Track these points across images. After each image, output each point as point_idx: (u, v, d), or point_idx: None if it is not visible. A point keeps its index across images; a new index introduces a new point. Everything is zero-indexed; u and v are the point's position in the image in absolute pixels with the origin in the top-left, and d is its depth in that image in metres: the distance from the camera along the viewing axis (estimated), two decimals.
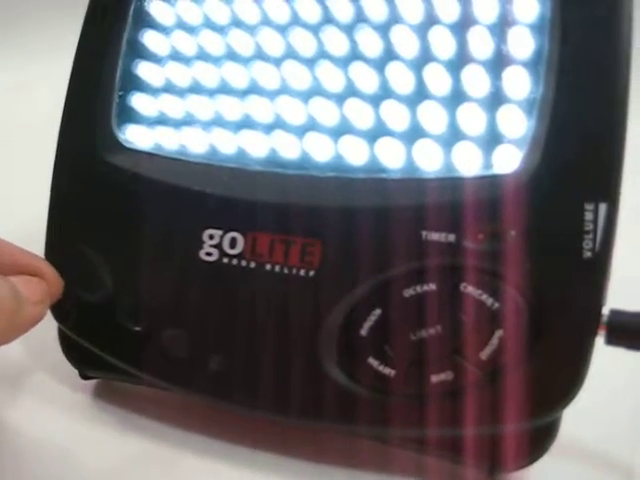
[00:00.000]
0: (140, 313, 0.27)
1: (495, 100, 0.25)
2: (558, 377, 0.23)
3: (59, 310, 0.29)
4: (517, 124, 0.24)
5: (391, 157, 0.25)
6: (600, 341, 0.23)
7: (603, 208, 0.23)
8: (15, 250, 0.26)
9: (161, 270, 0.27)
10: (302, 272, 0.25)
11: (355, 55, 0.26)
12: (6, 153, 0.46)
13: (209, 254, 0.26)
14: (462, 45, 0.25)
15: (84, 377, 0.31)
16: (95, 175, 0.28)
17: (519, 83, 0.24)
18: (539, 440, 0.25)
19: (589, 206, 0.23)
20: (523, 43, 0.24)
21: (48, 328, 0.30)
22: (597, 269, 0.23)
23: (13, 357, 0.33)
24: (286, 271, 0.25)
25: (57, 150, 0.29)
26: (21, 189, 0.42)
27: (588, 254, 0.23)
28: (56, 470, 0.27)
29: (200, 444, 0.28)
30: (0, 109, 0.52)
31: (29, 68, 0.57)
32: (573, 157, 0.23)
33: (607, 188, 0.23)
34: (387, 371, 0.24)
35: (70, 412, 0.30)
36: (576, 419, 0.24)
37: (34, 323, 0.25)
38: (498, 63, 0.25)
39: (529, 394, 0.23)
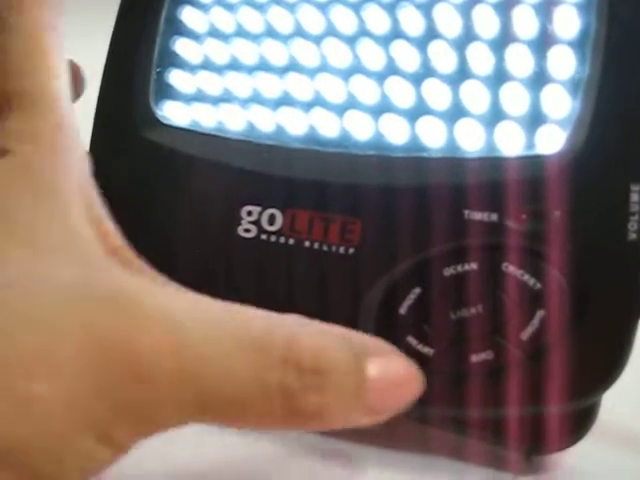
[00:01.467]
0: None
1: (539, 80, 0.24)
2: (600, 359, 0.23)
3: None
4: (561, 104, 0.24)
5: (432, 136, 0.25)
6: None
7: None
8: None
9: (199, 246, 0.27)
10: (342, 249, 0.25)
11: (396, 33, 0.26)
12: None
13: (247, 230, 0.26)
14: (506, 24, 0.25)
15: None
16: (133, 151, 0.28)
17: (564, 63, 0.24)
18: (579, 422, 0.24)
19: (635, 187, 0.23)
20: (569, 22, 0.24)
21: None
22: None
23: None
24: (325, 248, 0.25)
25: (94, 127, 0.29)
26: None
27: (633, 236, 0.23)
28: None
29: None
30: None
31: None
32: (618, 138, 0.23)
33: None
34: (426, 350, 0.24)
35: None
36: (616, 402, 0.24)
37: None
38: (543, 42, 0.24)
39: (570, 376, 0.23)
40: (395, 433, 0.27)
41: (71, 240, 0.19)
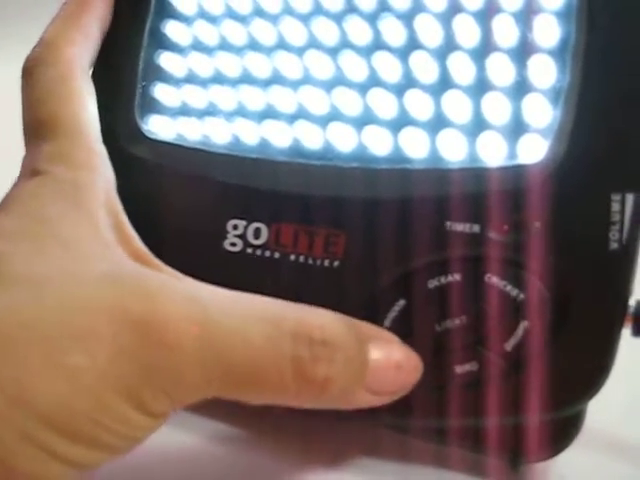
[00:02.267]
0: None
1: (520, 89, 0.24)
2: (583, 369, 0.23)
3: None
4: (542, 113, 0.24)
5: (415, 147, 0.25)
6: (627, 333, 0.23)
7: (630, 199, 0.23)
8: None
9: (185, 260, 0.27)
10: (326, 262, 0.25)
11: (378, 44, 0.26)
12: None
13: (233, 244, 0.26)
14: (487, 33, 0.25)
15: None
16: (118, 166, 0.28)
17: (545, 72, 0.24)
18: (564, 431, 0.25)
19: (616, 197, 0.23)
20: (549, 31, 0.24)
21: None
22: (623, 260, 0.23)
23: None
24: (310, 261, 0.25)
25: None
26: None
27: (614, 245, 0.23)
28: None
29: (224, 432, 0.28)
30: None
31: None
32: (600, 147, 0.23)
33: (634, 178, 0.23)
34: None
35: None
36: (601, 411, 0.24)
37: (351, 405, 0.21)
38: (523, 51, 0.24)
39: (554, 385, 0.23)
40: (377, 445, 0.27)
41: (98, 243, 0.22)
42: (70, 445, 0.18)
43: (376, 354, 0.21)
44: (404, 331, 0.24)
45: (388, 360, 0.21)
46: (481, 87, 0.25)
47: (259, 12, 0.28)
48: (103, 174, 0.24)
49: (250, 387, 0.20)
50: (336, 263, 0.25)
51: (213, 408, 0.29)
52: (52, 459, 0.18)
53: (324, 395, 0.20)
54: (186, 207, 0.27)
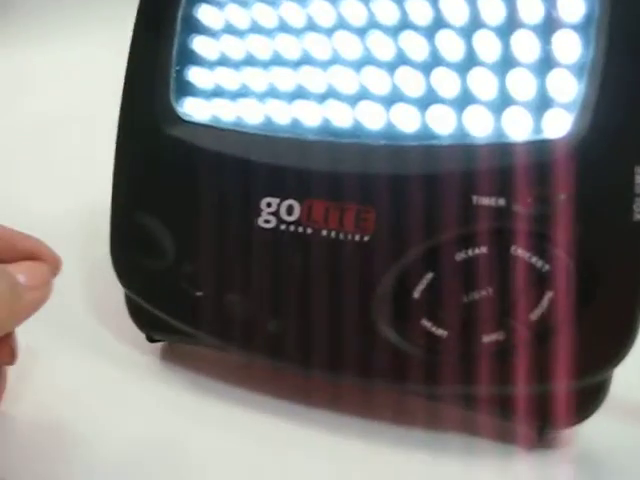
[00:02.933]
0: (201, 279, 0.29)
1: (545, 64, 0.25)
2: (608, 337, 0.24)
3: (125, 274, 0.31)
4: (567, 88, 0.24)
5: (442, 124, 0.26)
6: None
7: None
8: (14, 235, 0.27)
9: (221, 238, 0.28)
10: (357, 237, 0.26)
11: (405, 24, 0.27)
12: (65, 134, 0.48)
13: (267, 221, 0.27)
14: (511, 10, 0.25)
15: (151, 340, 0.32)
16: (156, 148, 0.30)
17: (569, 47, 0.24)
18: (589, 399, 0.25)
19: None
20: (573, 6, 0.24)
21: (116, 293, 0.32)
22: None
23: (82, 322, 0.35)
24: (341, 237, 0.26)
25: (119, 126, 0.31)
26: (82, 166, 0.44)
27: (638, 217, 0.23)
28: (126, 429, 0.29)
29: (262, 403, 0.29)
30: (60, 86, 0.54)
31: (83, 49, 0.59)
32: (623, 120, 0.24)
33: None
34: (440, 332, 0.25)
35: (138, 374, 0.31)
36: (627, 378, 0.25)
37: (36, 308, 0.26)
38: (548, 27, 0.25)
39: (578, 354, 0.24)
40: (407, 412, 0.28)
41: None
42: None
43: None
44: (433, 303, 0.25)
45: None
46: (506, 64, 0.25)
47: None
48: None
49: None
50: (366, 238, 0.26)
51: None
52: None
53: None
54: (221, 186, 0.28)
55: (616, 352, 0.24)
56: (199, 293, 0.29)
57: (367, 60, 0.27)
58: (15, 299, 0.24)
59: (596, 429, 0.26)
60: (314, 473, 0.26)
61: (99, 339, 0.33)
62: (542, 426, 0.26)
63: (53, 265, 0.27)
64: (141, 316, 0.32)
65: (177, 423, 0.29)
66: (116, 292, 0.32)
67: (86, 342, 0.33)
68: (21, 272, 0.25)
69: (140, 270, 0.30)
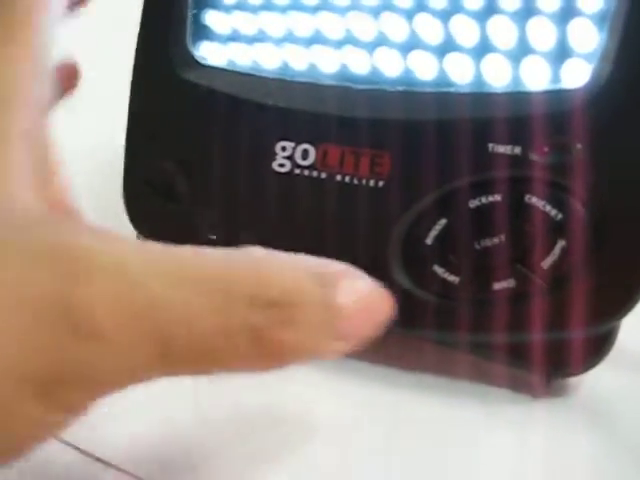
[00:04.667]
0: (215, 223, 0.29)
1: (566, 13, 0.25)
2: (618, 287, 0.24)
3: (138, 218, 0.31)
4: (588, 37, 0.24)
5: (459, 72, 0.26)
6: None
7: None
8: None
9: (236, 181, 0.28)
10: (372, 182, 0.26)
11: None
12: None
13: (282, 165, 0.27)
14: None
15: None
16: (172, 92, 0.30)
17: None
18: (598, 347, 0.25)
19: None
20: None
21: (127, 235, 0.32)
22: None
23: None
24: (356, 181, 0.26)
25: (134, 68, 0.31)
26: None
27: None
28: None
29: None
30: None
31: None
32: None
33: None
34: (452, 278, 0.25)
35: None
36: (634, 327, 0.25)
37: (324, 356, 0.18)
38: None
39: (589, 302, 0.24)
40: (419, 358, 0.28)
41: (7, 198, 0.17)
42: None
43: (343, 299, 0.17)
44: (446, 249, 0.25)
45: (357, 303, 0.18)
46: (527, 12, 0.25)
47: None
48: (41, 85, 0.19)
49: (200, 366, 0.17)
50: (381, 183, 0.26)
51: None
52: None
53: (291, 358, 0.17)
54: (236, 130, 0.28)
55: (626, 302, 0.24)
56: (213, 236, 0.29)
57: (386, 6, 0.27)
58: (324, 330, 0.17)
59: (601, 378, 0.26)
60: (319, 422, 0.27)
61: None
62: (551, 373, 0.26)
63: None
64: None
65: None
66: (128, 236, 0.32)
67: None
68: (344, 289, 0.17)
69: (153, 214, 0.31)
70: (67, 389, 0.15)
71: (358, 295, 0.18)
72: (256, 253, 0.17)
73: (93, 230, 0.17)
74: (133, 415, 0.25)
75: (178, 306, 0.16)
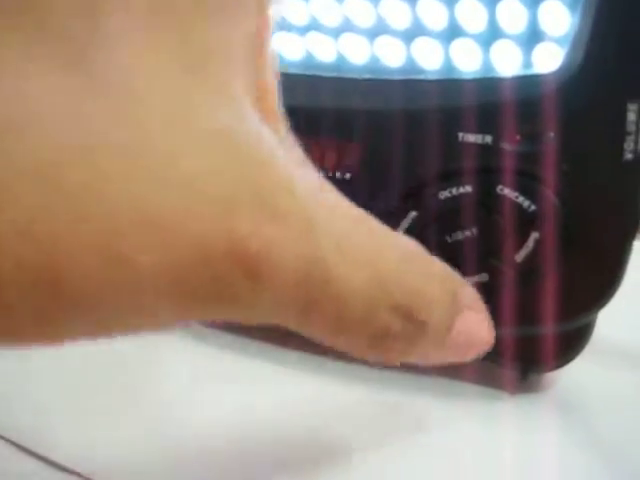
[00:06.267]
0: None
1: None
2: (594, 279, 0.23)
3: None
4: (560, 21, 0.23)
5: (428, 58, 0.25)
6: (638, 244, 0.23)
7: None
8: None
9: None
10: (338, 174, 0.25)
11: None
12: None
13: None
14: None
15: None
16: None
17: None
18: (573, 342, 0.25)
19: (632, 106, 0.22)
20: None
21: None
22: (638, 171, 0.23)
23: None
24: (322, 174, 0.25)
25: None
26: None
27: (629, 156, 0.22)
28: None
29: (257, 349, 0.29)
30: None
31: None
32: (616, 55, 0.23)
33: None
34: None
35: None
36: (611, 321, 0.24)
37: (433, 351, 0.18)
38: None
39: (564, 296, 0.23)
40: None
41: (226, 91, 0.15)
42: None
43: (461, 327, 0.18)
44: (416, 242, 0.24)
45: (468, 336, 0.19)
46: None
47: None
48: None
49: (333, 321, 0.16)
50: (348, 175, 0.25)
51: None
52: None
53: (392, 359, 0.18)
54: None
55: (601, 294, 0.23)
56: None
57: None
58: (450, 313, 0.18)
59: (578, 372, 0.26)
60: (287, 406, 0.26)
61: None
62: (524, 368, 0.26)
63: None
64: None
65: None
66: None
67: None
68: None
69: None
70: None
71: (472, 329, 0.19)
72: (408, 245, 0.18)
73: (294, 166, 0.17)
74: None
75: (343, 284, 0.15)
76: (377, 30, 0.26)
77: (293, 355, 0.28)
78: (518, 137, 0.23)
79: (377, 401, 0.26)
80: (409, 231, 0.24)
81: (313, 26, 0.26)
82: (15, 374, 0.27)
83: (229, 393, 0.26)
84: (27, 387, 0.27)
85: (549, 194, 0.23)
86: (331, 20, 0.26)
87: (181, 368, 0.28)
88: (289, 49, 0.27)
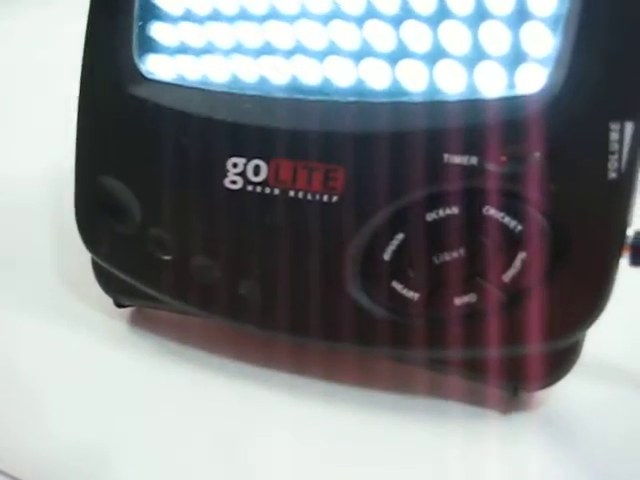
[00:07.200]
0: (168, 242, 0.28)
1: (519, 17, 0.24)
2: (581, 298, 0.23)
3: (91, 240, 0.30)
4: (542, 42, 0.24)
5: (413, 80, 0.25)
6: (624, 262, 0.23)
7: (629, 127, 0.22)
8: None
9: (187, 200, 0.27)
10: (325, 198, 0.25)
11: None
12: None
13: (234, 182, 0.26)
14: None
15: (118, 305, 0.32)
16: (119, 107, 0.28)
17: None
18: (562, 360, 0.25)
19: (615, 125, 0.22)
20: None
21: (82, 258, 0.31)
22: (622, 190, 0.23)
23: (50, 289, 0.34)
24: (309, 197, 0.25)
25: (80, 84, 0.30)
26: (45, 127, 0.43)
27: (613, 175, 0.23)
28: (94, 394, 0.28)
29: (232, 368, 0.29)
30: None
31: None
32: (599, 75, 0.23)
33: (634, 107, 0.23)
34: (411, 294, 0.25)
35: (106, 339, 0.31)
36: (600, 339, 0.24)
37: None
38: None
39: (552, 315, 0.24)
40: (376, 375, 0.27)
41: None
42: None
43: None
44: (404, 264, 0.25)
45: None
46: (479, 16, 0.24)
47: None
48: None
49: None
50: (335, 198, 0.25)
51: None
52: None
53: None
54: (186, 147, 0.27)
55: (589, 314, 0.23)
56: (167, 257, 0.28)
57: (335, 14, 0.26)
58: None
59: (567, 390, 0.26)
60: (277, 437, 0.26)
61: (66, 305, 0.33)
62: (514, 388, 0.26)
63: None
64: (109, 282, 0.31)
65: (146, 388, 0.28)
66: (83, 258, 0.31)
67: (54, 308, 0.33)
68: None
69: (106, 235, 0.29)
70: None
71: None
72: None
73: None
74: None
75: None
76: (362, 53, 0.26)
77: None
78: (503, 158, 0.23)
79: (364, 421, 0.26)
80: (397, 253, 0.25)
81: (298, 49, 0.27)
82: None
83: None
84: None
85: (535, 214, 0.23)
86: (316, 43, 0.26)
87: None
88: (274, 73, 0.27)
